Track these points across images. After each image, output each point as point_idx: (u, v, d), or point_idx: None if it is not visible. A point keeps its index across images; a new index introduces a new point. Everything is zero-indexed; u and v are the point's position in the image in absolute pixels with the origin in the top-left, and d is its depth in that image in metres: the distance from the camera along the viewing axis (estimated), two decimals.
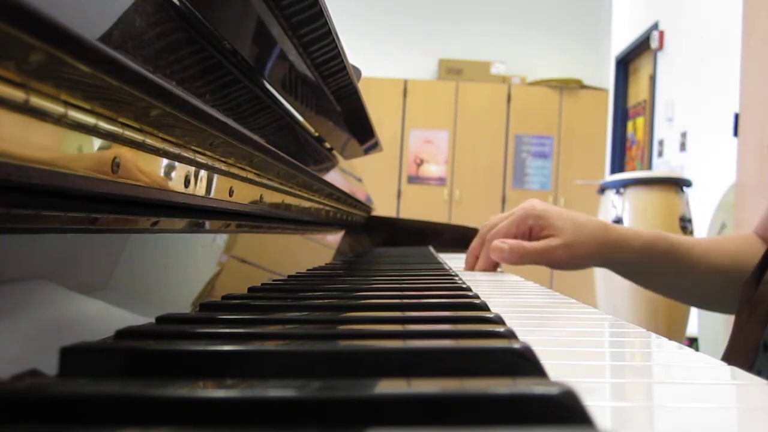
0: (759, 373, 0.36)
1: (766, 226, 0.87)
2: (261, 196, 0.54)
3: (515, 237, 0.84)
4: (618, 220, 2.78)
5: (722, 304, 0.90)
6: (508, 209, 0.89)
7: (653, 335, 0.35)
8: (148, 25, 0.30)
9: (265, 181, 0.53)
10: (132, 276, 0.33)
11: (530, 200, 0.87)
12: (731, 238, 0.91)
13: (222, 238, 0.48)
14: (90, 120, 0.24)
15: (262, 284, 0.49)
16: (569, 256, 0.80)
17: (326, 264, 0.82)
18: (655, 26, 4.43)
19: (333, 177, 0.87)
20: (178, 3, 0.37)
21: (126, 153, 0.28)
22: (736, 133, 2.48)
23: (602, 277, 2.91)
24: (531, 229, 0.83)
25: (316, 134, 0.87)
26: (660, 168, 4.24)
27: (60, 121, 0.23)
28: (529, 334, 0.33)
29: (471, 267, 0.88)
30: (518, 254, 0.80)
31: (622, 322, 0.39)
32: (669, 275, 0.85)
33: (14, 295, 0.23)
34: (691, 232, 2.74)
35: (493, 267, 0.86)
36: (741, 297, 0.72)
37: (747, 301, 0.71)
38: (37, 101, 0.21)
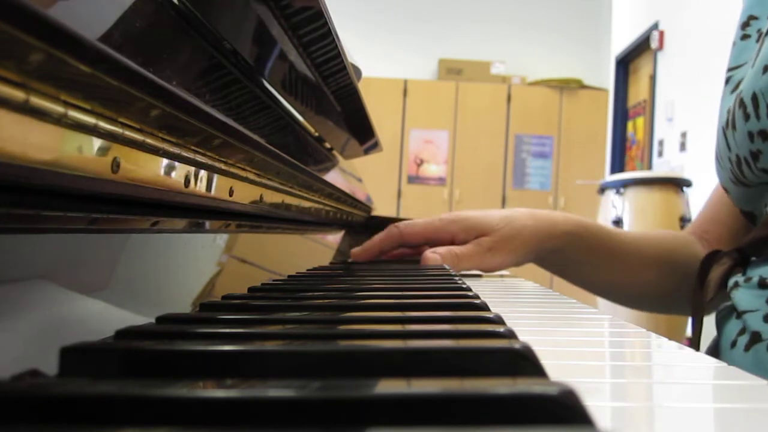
0: None
1: (700, 221, 0.86)
2: (261, 196, 0.54)
3: (429, 239, 0.78)
4: (618, 221, 2.78)
5: (660, 303, 0.89)
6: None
7: (653, 335, 0.35)
8: (148, 25, 0.30)
9: (265, 181, 0.53)
10: (132, 276, 0.33)
11: (452, 212, 0.82)
12: (660, 231, 0.90)
13: (222, 238, 0.48)
14: (90, 120, 0.24)
15: (262, 284, 0.49)
16: (507, 251, 0.75)
17: (326, 264, 0.82)
18: (655, 26, 4.44)
19: (333, 177, 0.87)
20: (178, 3, 0.37)
21: (126, 153, 0.28)
22: None
23: None
24: (454, 235, 0.77)
25: (316, 134, 0.87)
26: (660, 168, 4.24)
27: (60, 121, 0.23)
28: (529, 334, 0.33)
29: (368, 256, 0.82)
30: (451, 261, 0.74)
31: (622, 322, 0.39)
32: (601, 264, 0.82)
33: (14, 295, 0.23)
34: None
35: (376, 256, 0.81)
36: (690, 300, 0.73)
37: (693, 307, 0.72)
38: (37, 101, 0.21)
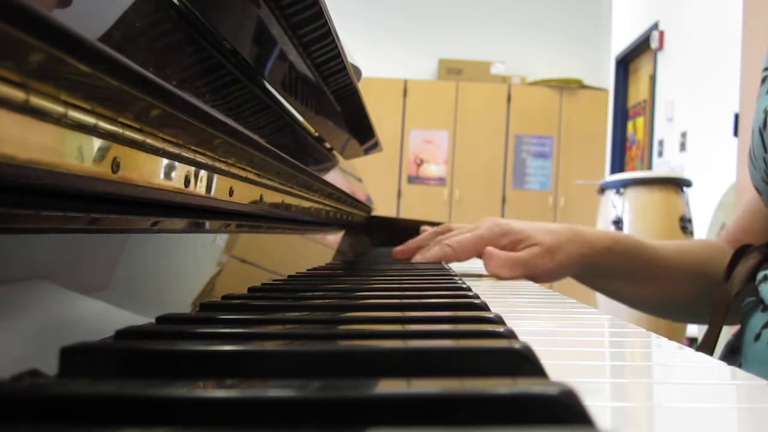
0: None
1: (734, 231, 0.87)
2: (261, 196, 0.54)
3: (480, 252, 0.80)
4: (618, 221, 2.78)
5: (689, 311, 0.90)
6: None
7: (653, 335, 0.35)
8: (148, 25, 0.30)
9: (265, 181, 0.53)
10: (132, 276, 0.33)
11: (492, 219, 0.83)
12: (695, 241, 0.91)
13: (222, 238, 0.48)
14: (90, 120, 0.24)
15: (262, 284, 0.49)
16: (553, 263, 0.77)
17: (326, 264, 0.82)
18: (655, 26, 4.44)
19: (333, 177, 0.88)
20: (178, 3, 0.37)
21: (126, 153, 0.28)
22: (736, 133, 2.48)
23: None
24: (503, 247, 0.79)
25: (316, 134, 0.87)
26: (660, 168, 4.24)
27: (60, 121, 0.23)
28: (529, 334, 0.33)
29: (407, 255, 0.85)
30: (509, 265, 0.76)
31: (622, 322, 0.39)
32: (637, 276, 0.83)
33: (14, 295, 0.23)
34: (691, 233, 2.74)
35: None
36: (714, 298, 0.73)
37: (716, 301, 0.72)
38: (37, 101, 0.21)
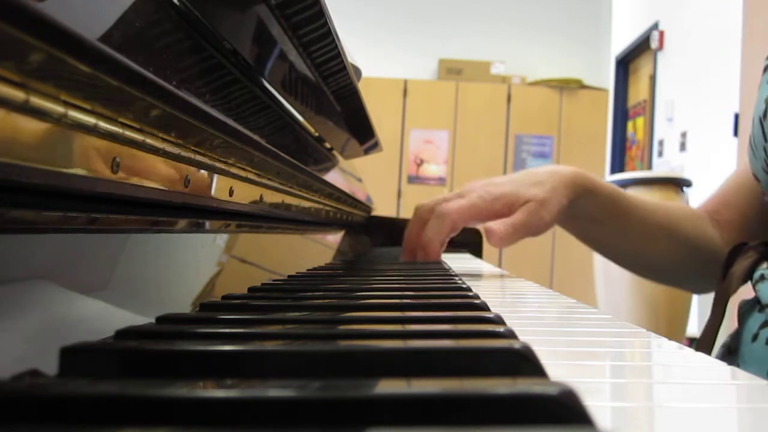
0: None
1: (714, 202, 0.87)
2: (261, 196, 0.54)
3: (475, 222, 0.80)
4: None
5: (666, 274, 0.92)
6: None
7: (653, 335, 0.35)
8: (148, 25, 0.30)
9: (265, 181, 0.53)
10: (132, 276, 0.33)
11: (477, 183, 0.82)
12: (673, 203, 0.91)
13: (222, 238, 0.48)
14: (90, 120, 0.24)
15: (262, 284, 0.49)
16: (549, 215, 0.77)
17: (326, 264, 0.82)
18: (655, 26, 4.44)
19: (333, 177, 0.87)
20: (178, 3, 0.37)
21: (126, 153, 0.28)
22: (736, 133, 2.48)
23: (602, 277, 2.91)
24: (498, 212, 0.78)
25: (316, 134, 0.87)
26: (660, 168, 4.24)
27: (60, 121, 0.23)
28: (529, 334, 0.33)
29: (412, 254, 0.82)
30: (511, 234, 0.76)
31: (622, 322, 0.39)
32: (613, 225, 0.84)
33: (14, 295, 0.23)
34: None
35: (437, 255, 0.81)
36: (715, 291, 0.73)
37: (715, 299, 0.72)
38: (37, 101, 0.21)
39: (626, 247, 0.88)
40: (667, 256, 0.85)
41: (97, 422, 0.16)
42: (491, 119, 5.37)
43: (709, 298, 0.75)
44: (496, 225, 0.77)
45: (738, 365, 0.63)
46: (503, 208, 0.78)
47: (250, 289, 0.46)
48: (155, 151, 0.31)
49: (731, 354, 0.68)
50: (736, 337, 0.68)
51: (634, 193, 0.88)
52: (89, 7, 0.24)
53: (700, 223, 0.85)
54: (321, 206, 0.84)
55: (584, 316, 0.43)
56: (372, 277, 0.62)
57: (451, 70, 5.42)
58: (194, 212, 0.42)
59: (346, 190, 0.95)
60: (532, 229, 0.77)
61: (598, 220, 0.84)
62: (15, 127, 0.21)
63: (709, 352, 0.67)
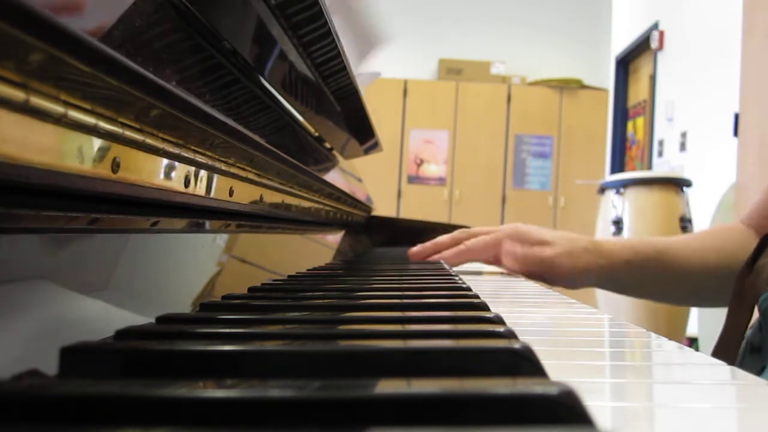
0: None
1: (756, 215, 0.86)
2: (261, 196, 0.54)
3: (498, 256, 0.82)
4: (618, 220, 2.78)
5: (717, 300, 0.90)
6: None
7: (653, 335, 0.35)
8: (148, 24, 0.30)
9: (265, 181, 0.53)
10: (132, 276, 0.33)
11: (513, 224, 0.85)
12: (716, 232, 0.89)
13: (222, 238, 0.48)
14: (90, 120, 0.24)
15: (262, 284, 0.49)
16: (571, 265, 0.78)
17: (326, 264, 0.82)
18: (655, 26, 4.43)
19: (333, 177, 0.87)
20: (178, 3, 0.37)
21: (126, 153, 0.28)
22: (736, 133, 2.47)
23: None
24: (521, 246, 0.81)
25: (316, 134, 0.87)
26: (660, 168, 4.24)
27: (60, 121, 0.23)
28: (529, 334, 0.33)
29: (425, 255, 0.87)
30: (526, 262, 0.78)
31: (622, 322, 0.39)
32: (661, 282, 0.83)
33: (14, 295, 0.23)
34: (691, 233, 2.74)
35: (454, 263, 0.85)
36: (733, 289, 0.72)
37: (737, 292, 0.70)
38: (37, 101, 0.21)
39: (680, 295, 0.88)
40: (721, 288, 0.84)
41: (97, 422, 0.16)
42: (491, 119, 5.36)
43: None
44: (516, 248, 0.79)
45: (764, 367, 0.62)
46: (525, 245, 0.80)
47: (250, 289, 0.46)
48: (155, 151, 0.31)
49: (755, 352, 0.65)
50: (759, 334, 0.66)
51: (677, 239, 0.85)
52: (89, 7, 0.24)
53: (748, 244, 0.83)
54: (321, 206, 0.84)
55: (584, 316, 0.43)
56: (372, 277, 0.62)
57: (451, 70, 5.42)
58: (194, 212, 0.42)
59: (346, 190, 0.95)
60: (550, 269, 0.78)
61: (644, 286, 0.84)
62: (15, 127, 0.21)
63: (736, 353, 0.65)
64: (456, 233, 0.88)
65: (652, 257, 0.81)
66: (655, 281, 0.83)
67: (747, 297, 0.68)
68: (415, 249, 0.88)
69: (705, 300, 0.91)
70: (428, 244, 0.88)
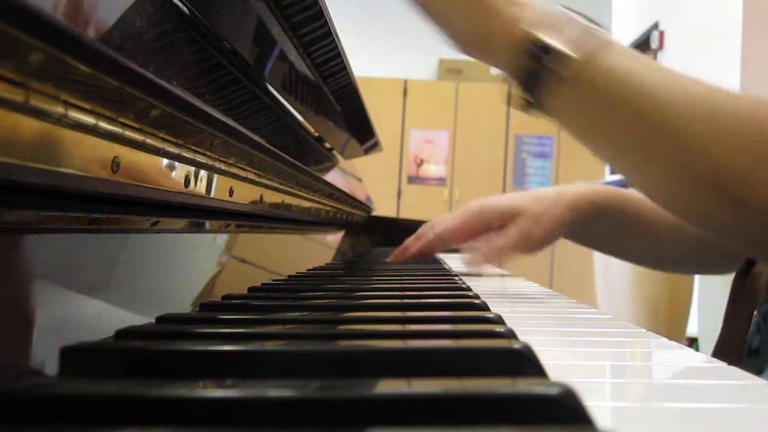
0: None
1: None
2: (261, 196, 0.54)
3: (469, 235, 0.79)
4: None
5: (680, 264, 0.89)
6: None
7: (653, 335, 0.35)
8: (148, 25, 0.30)
9: (265, 181, 0.53)
10: (132, 276, 0.33)
11: (474, 201, 0.81)
12: None
13: (222, 238, 0.48)
14: (90, 120, 0.24)
15: (262, 284, 0.49)
16: (540, 230, 0.74)
17: (326, 264, 0.82)
18: (655, 26, 4.43)
19: (333, 177, 0.87)
20: (178, 3, 0.37)
21: (126, 153, 0.28)
22: None
23: (602, 277, 2.91)
24: (488, 221, 0.77)
25: (316, 134, 0.87)
26: None
27: (60, 121, 0.23)
28: (529, 334, 0.33)
29: (398, 258, 0.85)
30: (497, 256, 0.75)
31: (622, 322, 0.39)
32: (630, 235, 0.82)
33: (14, 295, 0.23)
34: None
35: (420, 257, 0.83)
36: (730, 295, 0.71)
37: (735, 295, 0.70)
38: (37, 101, 0.21)
39: (649, 250, 0.84)
40: (689, 248, 0.82)
41: (97, 422, 0.16)
42: (491, 119, 5.36)
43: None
44: (483, 251, 0.74)
45: (762, 367, 0.61)
46: (493, 217, 0.77)
47: (250, 289, 0.46)
48: (155, 151, 0.31)
49: (753, 355, 0.65)
50: (756, 334, 0.65)
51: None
52: (89, 7, 0.24)
53: None
54: (321, 206, 0.84)
55: (584, 316, 0.43)
56: (372, 277, 0.62)
57: (451, 70, 5.42)
58: (194, 212, 0.42)
59: (346, 190, 0.95)
60: (523, 246, 0.75)
61: (612, 236, 0.82)
62: (15, 127, 0.21)
63: (735, 359, 0.64)
64: (420, 230, 0.85)
65: (619, 205, 0.79)
66: (623, 233, 0.81)
67: (746, 303, 0.67)
68: (393, 254, 0.86)
69: (675, 261, 0.89)
70: (396, 251, 0.86)
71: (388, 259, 0.86)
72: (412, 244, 0.84)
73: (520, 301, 0.53)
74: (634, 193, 0.82)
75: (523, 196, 0.78)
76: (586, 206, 0.78)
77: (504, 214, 0.76)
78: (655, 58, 4.46)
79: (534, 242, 0.75)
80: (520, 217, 0.75)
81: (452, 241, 0.80)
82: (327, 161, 0.91)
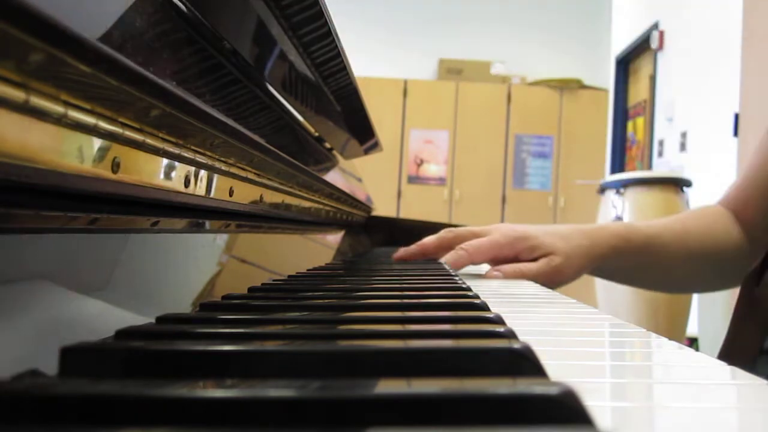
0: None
1: (733, 198, 0.87)
2: (261, 196, 0.54)
3: (496, 259, 0.80)
4: (618, 220, 2.78)
5: (703, 284, 0.94)
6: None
7: (653, 335, 0.35)
8: (148, 25, 0.30)
9: (265, 181, 0.53)
10: (132, 276, 0.33)
11: (504, 224, 0.83)
12: (696, 215, 0.90)
13: (222, 238, 0.48)
14: (90, 120, 0.24)
15: (262, 284, 0.49)
16: (571, 270, 0.78)
17: (326, 264, 0.82)
18: (655, 26, 4.43)
19: (333, 177, 0.87)
20: (178, 3, 0.37)
21: (126, 153, 0.28)
22: (736, 133, 2.48)
23: None
24: (518, 253, 0.79)
25: (316, 134, 0.87)
26: (660, 168, 4.24)
27: (60, 121, 0.23)
28: (529, 334, 0.33)
29: (406, 257, 0.85)
30: (518, 277, 0.76)
31: (622, 322, 0.39)
32: (648, 269, 0.86)
33: (14, 295, 0.23)
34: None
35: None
36: (740, 294, 0.71)
37: (746, 301, 0.70)
38: (37, 101, 0.21)
39: (667, 281, 0.90)
40: (705, 272, 0.86)
41: (97, 422, 0.16)
42: (491, 119, 5.36)
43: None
44: (506, 269, 0.76)
45: None
46: (525, 250, 0.78)
47: (250, 289, 0.46)
48: (155, 151, 0.31)
49: (767, 354, 0.64)
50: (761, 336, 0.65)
51: (661, 223, 0.86)
52: (89, 7, 0.24)
53: (730, 227, 0.84)
54: (321, 206, 0.84)
55: (584, 316, 0.43)
56: (372, 277, 0.62)
57: (451, 70, 5.42)
58: (194, 212, 0.42)
59: (346, 190, 0.95)
60: (551, 280, 0.77)
61: (632, 273, 0.87)
62: (15, 127, 0.21)
63: (743, 362, 0.63)
64: (442, 233, 0.85)
65: (640, 245, 0.82)
66: (643, 270, 0.85)
67: (759, 310, 0.67)
68: (399, 253, 0.86)
69: (692, 285, 0.94)
70: (413, 247, 0.85)
71: (396, 255, 0.86)
72: (431, 249, 0.84)
73: (520, 301, 0.53)
74: (655, 229, 0.83)
75: (549, 232, 0.80)
76: (609, 251, 0.81)
77: (538, 249, 0.78)
78: (655, 58, 4.47)
79: (561, 281, 0.79)
80: (552, 256, 0.78)
81: (478, 260, 0.81)
82: (327, 161, 0.91)
